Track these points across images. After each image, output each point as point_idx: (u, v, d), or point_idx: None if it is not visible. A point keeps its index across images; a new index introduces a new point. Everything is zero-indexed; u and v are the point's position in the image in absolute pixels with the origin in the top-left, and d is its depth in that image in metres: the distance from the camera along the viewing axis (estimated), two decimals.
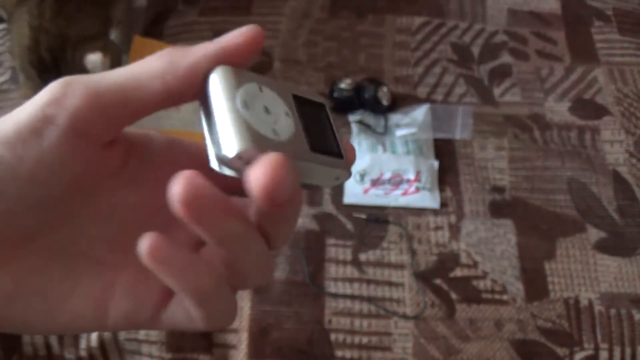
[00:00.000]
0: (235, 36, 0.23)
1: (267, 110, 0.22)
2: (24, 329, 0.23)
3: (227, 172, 0.21)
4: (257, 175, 0.18)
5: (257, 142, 0.20)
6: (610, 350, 0.79)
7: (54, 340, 0.78)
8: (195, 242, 0.25)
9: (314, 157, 0.22)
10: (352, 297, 0.82)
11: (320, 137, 0.23)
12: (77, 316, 0.23)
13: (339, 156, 0.24)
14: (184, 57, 0.22)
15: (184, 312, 0.23)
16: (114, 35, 0.96)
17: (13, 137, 0.20)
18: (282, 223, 0.22)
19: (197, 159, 0.25)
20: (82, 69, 0.85)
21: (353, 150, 0.25)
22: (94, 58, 0.82)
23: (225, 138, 0.20)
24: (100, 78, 0.21)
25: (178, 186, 0.18)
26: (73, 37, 0.85)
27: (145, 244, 0.19)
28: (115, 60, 0.89)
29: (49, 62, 0.84)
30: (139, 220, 0.25)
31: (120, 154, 0.23)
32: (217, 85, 0.22)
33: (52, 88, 0.21)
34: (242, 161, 0.20)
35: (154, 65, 0.22)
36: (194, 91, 0.22)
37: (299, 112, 0.23)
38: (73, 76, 0.21)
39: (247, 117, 0.21)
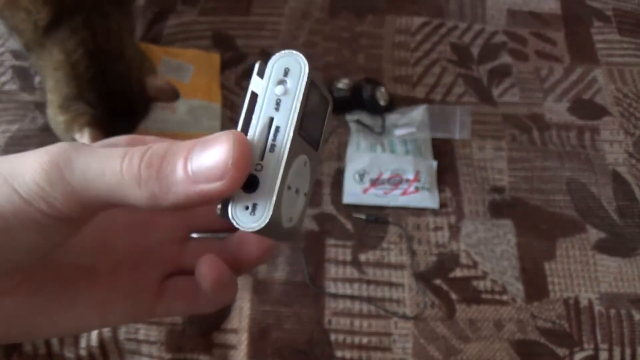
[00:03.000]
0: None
1: (297, 191, 0.22)
2: (28, 339, 0.24)
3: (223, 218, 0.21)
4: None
5: (270, 230, 0.20)
6: (610, 351, 0.79)
7: (54, 340, 0.78)
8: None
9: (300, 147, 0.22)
10: (352, 298, 0.82)
11: (310, 127, 0.22)
12: (79, 321, 0.24)
13: (315, 149, 0.23)
14: (167, 194, 0.20)
15: (181, 302, 0.25)
16: None
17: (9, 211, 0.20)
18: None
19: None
20: (148, 98, 0.78)
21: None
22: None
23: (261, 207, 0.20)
24: (92, 178, 0.20)
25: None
26: (133, 59, 0.78)
27: (208, 270, 0.23)
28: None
29: (118, 92, 0.75)
30: (120, 225, 0.26)
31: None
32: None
33: (49, 166, 0.20)
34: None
35: (139, 195, 0.20)
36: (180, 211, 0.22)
37: (306, 97, 0.22)
38: (69, 159, 0.20)
39: (285, 196, 0.20)
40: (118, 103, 0.76)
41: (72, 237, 0.22)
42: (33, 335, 0.23)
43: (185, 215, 0.27)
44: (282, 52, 0.21)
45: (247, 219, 0.20)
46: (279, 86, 0.21)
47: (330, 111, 0.24)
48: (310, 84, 0.21)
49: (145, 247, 0.26)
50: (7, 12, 0.76)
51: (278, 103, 0.20)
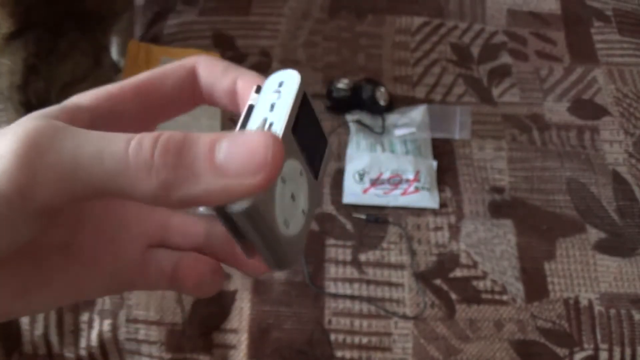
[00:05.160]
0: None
1: (293, 197, 0.21)
2: None
3: (204, 209, 0.21)
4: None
5: (262, 220, 0.19)
6: (610, 351, 0.79)
7: (54, 339, 0.78)
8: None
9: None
10: (352, 298, 0.82)
11: (305, 135, 0.22)
12: (55, 298, 0.22)
13: (315, 176, 0.23)
14: (181, 186, 0.18)
15: (163, 278, 0.24)
16: (113, 50, 0.95)
17: None
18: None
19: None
20: None
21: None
22: None
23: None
24: (86, 163, 0.18)
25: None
26: (60, 79, 0.80)
27: (187, 273, 0.23)
28: None
29: (35, 105, 0.79)
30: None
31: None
32: None
33: (25, 144, 0.18)
34: (229, 217, 0.19)
35: (146, 185, 0.18)
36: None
37: (299, 102, 0.22)
38: (51, 132, 0.18)
39: (277, 194, 0.20)
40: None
41: (52, 228, 0.20)
42: (3, 317, 0.21)
43: None
44: (279, 71, 0.22)
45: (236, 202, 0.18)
46: (274, 94, 0.21)
47: (329, 152, 0.24)
48: (306, 101, 0.21)
49: (126, 220, 0.24)
50: None
51: (272, 106, 0.21)
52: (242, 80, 0.23)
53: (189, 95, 0.23)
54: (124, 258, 0.23)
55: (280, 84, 0.21)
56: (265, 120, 0.20)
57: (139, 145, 0.18)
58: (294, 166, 0.21)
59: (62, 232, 0.22)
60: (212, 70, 0.23)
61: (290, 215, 0.21)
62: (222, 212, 0.19)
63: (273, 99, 0.21)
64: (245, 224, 0.19)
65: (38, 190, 0.17)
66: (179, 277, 0.23)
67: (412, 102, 1.00)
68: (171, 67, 0.23)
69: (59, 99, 0.21)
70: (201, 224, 0.24)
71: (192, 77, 0.23)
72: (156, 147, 0.18)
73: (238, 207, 0.18)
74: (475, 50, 1.08)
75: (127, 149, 0.18)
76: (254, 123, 0.21)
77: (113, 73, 0.91)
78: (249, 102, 0.21)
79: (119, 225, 0.24)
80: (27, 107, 0.78)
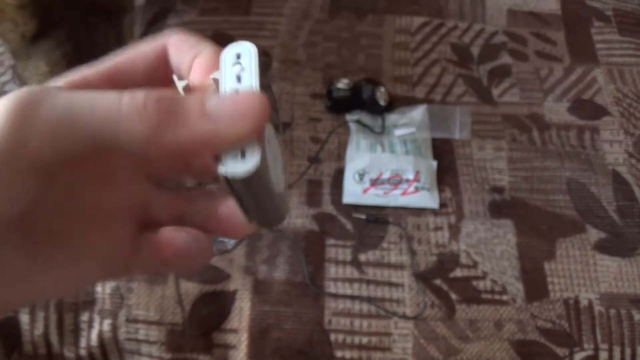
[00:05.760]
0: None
1: (275, 157, 0.22)
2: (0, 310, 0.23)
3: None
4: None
5: (261, 181, 0.21)
6: (610, 351, 0.79)
7: (54, 339, 0.78)
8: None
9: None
10: (352, 298, 0.82)
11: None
12: (54, 286, 0.23)
13: (277, 130, 0.25)
14: (171, 129, 0.19)
15: (156, 259, 0.24)
16: None
17: None
18: None
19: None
20: None
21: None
22: None
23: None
24: (79, 113, 0.18)
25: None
26: None
27: (164, 245, 0.22)
28: None
29: None
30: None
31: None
32: None
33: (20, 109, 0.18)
34: (233, 182, 0.20)
35: (137, 128, 0.18)
36: (177, 167, 0.21)
37: (260, 71, 0.24)
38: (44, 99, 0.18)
39: (268, 149, 0.21)
40: None
41: (48, 191, 0.20)
42: (3, 307, 0.22)
43: (146, 163, 0.25)
44: (231, 44, 0.23)
45: (238, 164, 0.20)
46: (236, 66, 0.22)
47: (275, 100, 0.26)
48: (262, 68, 0.23)
49: (113, 202, 0.24)
50: None
51: (239, 78, 0.22)
52: (199, 57, 0.23)
53: (162, 77, 0.24)
54: (115, 240, 0.24)
55: (239, 56, 0.22)
56: (237, 91, 0.22)
57: (132, 95, 0.18)
58: (269, 128, 0.22)
59: (54, 219, 0.22)
60: (180, 50, 0.24)
61: (277, 174, 0.22)
62: (226, 179, 0.20)
63: (237, 71, 0.22)
64: (250, 185, 0.20)
65: (32, 145, 0.18)
66: (159, 248, 0.23)
67: (412, 102, 1.00)
68: (142, 50, 0.24)
69: None
70: (181, 197, 0.25)
71: (163, 59, 0.24)
72: (148, 95, 0.18)
73: (246, 166, 0.19)
74: (475, 50, 1.08)
75: (120, 100, 0.18)
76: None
77: None
78: (212, 76, 0.22)
79: (106, 209, 0.24)
80: None
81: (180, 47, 0.23)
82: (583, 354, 0.79)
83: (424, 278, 0.84)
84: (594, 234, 0.88)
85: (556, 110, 1.00)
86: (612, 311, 0.82)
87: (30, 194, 0.19)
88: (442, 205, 0.90)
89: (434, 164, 0.93)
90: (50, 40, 0.76)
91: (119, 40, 0.87)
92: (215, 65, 0.22)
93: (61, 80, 0.22)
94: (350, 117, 0.98)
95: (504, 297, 0.82)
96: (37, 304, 0.79)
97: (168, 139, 0.19)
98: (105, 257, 0.24)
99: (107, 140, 0.19)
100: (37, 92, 0.18)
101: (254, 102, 0.19)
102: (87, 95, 0.19)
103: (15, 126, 0.18)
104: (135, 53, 0.24)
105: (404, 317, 0.81)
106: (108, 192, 0.24)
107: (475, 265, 0.85)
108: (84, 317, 0.79)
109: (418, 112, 0.97)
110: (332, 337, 0.80)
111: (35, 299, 0.24)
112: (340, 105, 0.98)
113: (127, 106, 0.18)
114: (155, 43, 0.24)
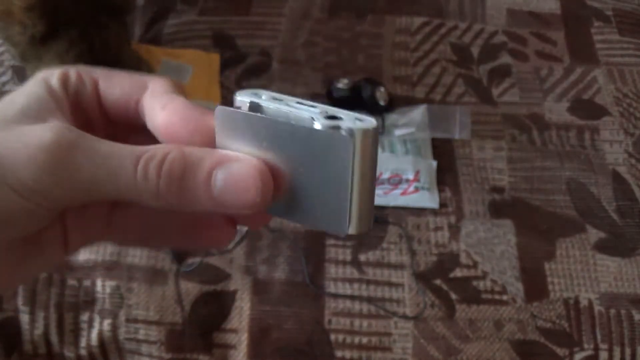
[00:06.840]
0: None
1: None
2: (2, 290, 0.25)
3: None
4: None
5: None
6: (610, 351, 0.79)
7: (54, 339, 0.78)
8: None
9: None
10: (352, 298, 0.82)
11: None
12: (47, 263, 0.25)
13: None
14: (188, 206, 0.22)
15: (131, 234, 0.27)
16: None
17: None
18: None
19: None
20: None
21: None
22: None
23: None
24: (103, 180, 0.21)
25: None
26: (130, 66, 0.81)
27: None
28: None
29: None
30: None
31: None
32: None
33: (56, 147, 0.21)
34: None
35: (154, 204, 0.21)
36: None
37: None
38: (75, 143, 0.21)
39: None
40: None
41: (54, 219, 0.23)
42: (4, 288, 0.24)
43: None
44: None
45: (358, 123, 0.23)
46: (297, 104, 0.26)
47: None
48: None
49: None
50: (0, 23, 0.76)
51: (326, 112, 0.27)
52: (172, 103, 0.25)
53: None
54: (89, 217, 0.26)
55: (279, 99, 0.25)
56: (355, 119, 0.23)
57: (145, 171, 0.21)
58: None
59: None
60: (153, 94, 0.26)
61: None
62: None
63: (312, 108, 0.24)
64: (373, 147, 0.24)
65: (57, 194, 0.20)
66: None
67: (412, 102, 1.00)
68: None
69: None
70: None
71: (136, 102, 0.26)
72: (160, 176, 0.21)
73: (370, 123, 0.23)
74: (475, 50, 1.08)
75: (136, 175, 0.21)
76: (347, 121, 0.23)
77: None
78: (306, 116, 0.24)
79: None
80: None
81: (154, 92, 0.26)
82: (583, 354, 0.79)
83: (424, 278, 0.84)
84: (593, 234, 0.88)
85: (556, 110, 1.00)
86: (612, 311, 0.82)
87: (42, 224, 0.22)
88: (442, 205, 0.90)
89: (434, 163, 0.93)
90: (62, 41, 0.75)
91: (128, 41, 0.87)
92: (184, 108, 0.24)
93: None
94: None
95: (504, 297, 0.82)
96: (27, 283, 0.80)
97: (182, 210, 0.22)
98: (81, 232, 0.26)
99: (128, 202, 0.22)
100: (65, 144, 0.20)
101: (254, 176, 0.21)
102: (110, 161, 0.21)
103: (47, 177, 0.20)
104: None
105: (404, 317, 0.81)
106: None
107: (475, 265, 0.85)
108: (84, 317, 0.79)
109: (418, 112, 0.97)
110: (332, 337, 0.80)
111: (30, 278, 0.27)
112: (340, 105, 0.97)
113: (142, 185, 0.21)
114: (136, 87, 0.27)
